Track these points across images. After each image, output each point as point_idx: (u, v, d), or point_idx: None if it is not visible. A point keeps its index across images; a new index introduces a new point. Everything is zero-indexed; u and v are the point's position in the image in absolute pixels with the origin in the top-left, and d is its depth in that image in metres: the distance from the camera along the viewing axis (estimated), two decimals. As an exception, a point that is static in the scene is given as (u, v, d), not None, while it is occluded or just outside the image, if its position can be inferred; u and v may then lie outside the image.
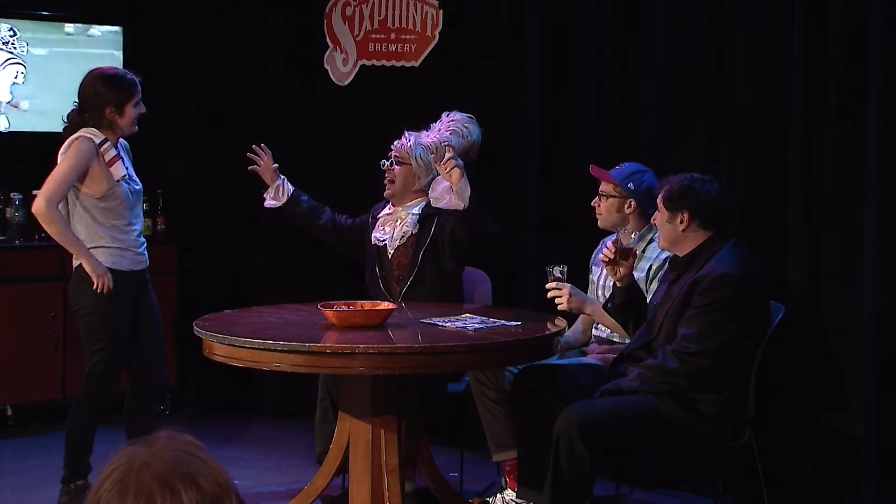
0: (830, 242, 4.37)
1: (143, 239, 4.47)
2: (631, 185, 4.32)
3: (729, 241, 3.90)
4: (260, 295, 5.56)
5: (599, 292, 4.43)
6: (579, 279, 4.37)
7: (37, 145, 4.39)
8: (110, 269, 4.29)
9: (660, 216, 3.96)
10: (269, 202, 4.97)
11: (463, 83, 5.49)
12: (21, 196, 5.47)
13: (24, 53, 5.83)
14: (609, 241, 4.12)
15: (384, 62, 5.74)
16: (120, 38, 6.01)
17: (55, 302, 5.57)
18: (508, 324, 4.07)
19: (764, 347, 3.88)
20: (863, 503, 4.27)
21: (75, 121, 4.30)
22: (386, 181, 4.81)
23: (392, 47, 5.71)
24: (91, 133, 4.24)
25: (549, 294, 4.18)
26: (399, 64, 5.70)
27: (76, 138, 4.24)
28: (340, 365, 3.73)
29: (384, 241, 4.81)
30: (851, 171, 4.30)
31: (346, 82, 5.84)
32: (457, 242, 4.64)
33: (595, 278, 4.50)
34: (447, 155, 4.42)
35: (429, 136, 4.79)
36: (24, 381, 5.64)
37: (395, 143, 4.82)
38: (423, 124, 4.90)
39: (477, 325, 4.02)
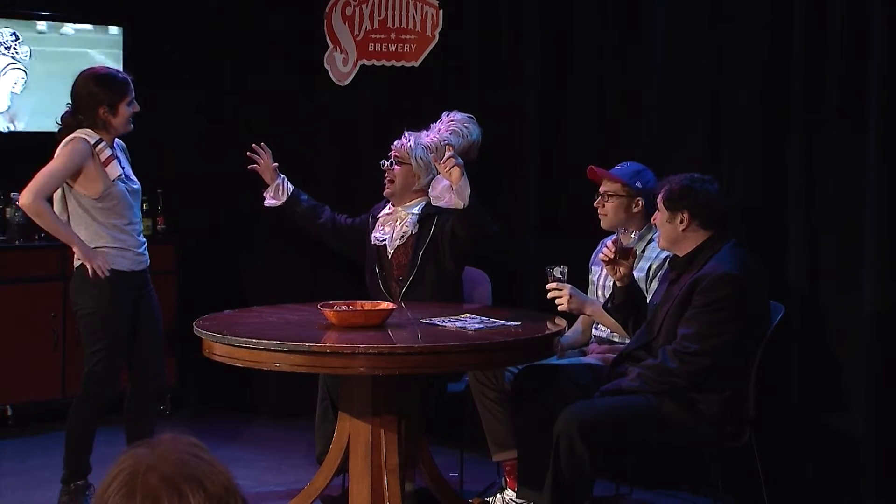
0: (830, 242, 4.37)
1: (143, 239, 4.47)
2: (638, 183, 4.32)
3: (729, 241, 3.90)
4: (260, 295, 5.56)
5: (599, 292, 4.43)
6: (579, 279, 4.37)
7: (37, 145, 4.39)
8: (110, 269, 4.29)
9: (660, 216, 3.96)
10: (269, 201, 4.98)
11: (463, 83, 5.49)
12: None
13: (27, 59, 5.83)
14: (609, 241, 4.12)
15: (384, 62, 5.74)
16: (120, 38, 6.01)
17: (55, 302, 5.57)
18: (508, 324, 4.07)
19: (764, 347, 3.88)
20: (863, 503, 4.27)
21: (69, 122, 4.29)
22: (386, 181, 4.81)
23: (392, 47, 5.71)
24: (86, 134, 4.24)
25: (550, 295, 4.18)
26: (399, 64, 5.70)
27: (71, 139, 4.24)
28: (340, 365, 3.73)
29: (384, 241, 4.81)
30: (851, 171, 4.30)
31: (346, 82, 5.84)
32: (457, 242, 4.63)
33: (595, 278, 4.50)
34: (447, 154, 4.42)
35: (429, 136, 4.79)
36: (24, 381, 5.64)
37: (395, 142, 4.82)
38: (423, 124, 4.90)
39: (477, 325, 4.02)
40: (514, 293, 5.18)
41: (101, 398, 4.39)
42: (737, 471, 4.26)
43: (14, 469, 5.10)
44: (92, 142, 4.23)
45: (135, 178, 4.43)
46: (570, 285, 4.17)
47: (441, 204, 4.56)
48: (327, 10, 5.88)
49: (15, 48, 5.82)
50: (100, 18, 6.04)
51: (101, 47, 5.98)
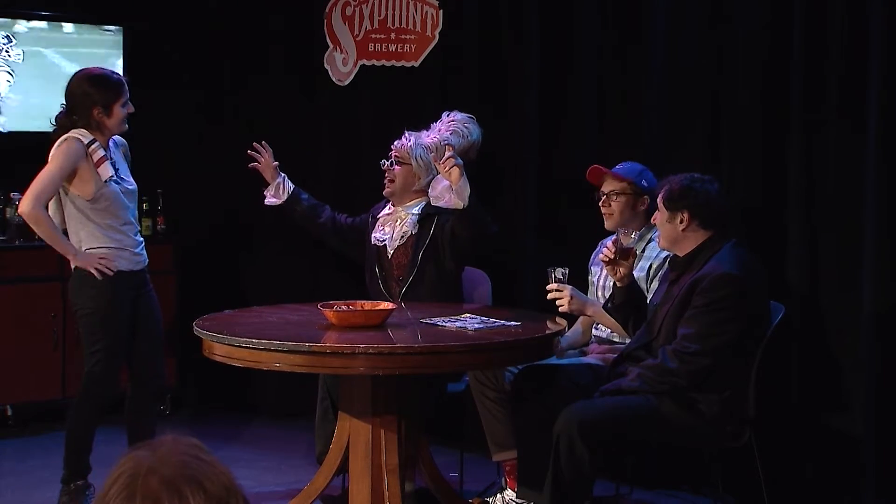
0: (830, 242, 4.37)
1: (140, 238, 4.47)
2: (644, 182, 4.33)
3: (729, 241, 3.90)
4: (260, 295, 5.56)
5: (599, 293, 4.43)
6: (579, 280, 4.37)
7: (37, 145, 4.38)
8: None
9: (660, 216, 3.96)
10: (270, 200, 4.98)
11: (463, 83, 5.49)
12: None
13: (20, 62, 5.83)
14: (609, 242, 4.12)
15: (384, 62, 5.74)
16: (120, 38, 6.02)
17: (55, 302, 5.57)
18: (508, 324, 4.07)
19: (764, 347, 3.88)
20: (863, 503, 4.27)
21: (63, 122, 4.29)
22: (386, 180, 4.81)
23: (392, 47, 5.71)
24: (79, 134, 4.23)
25: (550, 296, 4.18)
26: (399, 64, 5.70)
27: (65, 139, 4.23)
28: (340, 365, 3.73)
29: (384, 241, 4.81)
30: (851, 171, 4.29)
31: (346, 82, 5.85)
32: (457, 242, 4.63)
33: (595, 279, 4.50)
34: (447, 154, 4.42)
35: (429, 136, 4.79)
36: (24, 381, 5.64)
37: (396, 142, 4.82)
38: (423, 124, 4.91)
39: (477, 325, 4.02)
40: (514, 293, 5.18)
41: (101, 398, 4.39)
42: (737, 471, 4.26)
43: (14, 469, 5.10)
44: (86, 142, 4.23)
45: (131, 179, 4.42)
46: (570, 287, 4.17)
47: (441, 204, 4.56)
48: (327, 10, 5.88)
49: (7, 51, 5.81)
50: (100, 18, 6.04)
51: (101, 47, 5.98)
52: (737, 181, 4.59)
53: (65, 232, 4.34)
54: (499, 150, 5.22)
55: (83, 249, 4.30)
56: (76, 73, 4.38)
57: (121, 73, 5.82)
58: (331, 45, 5.87)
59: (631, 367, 3.90)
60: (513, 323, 4.08)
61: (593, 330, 4.51)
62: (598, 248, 4.48)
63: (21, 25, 5.86)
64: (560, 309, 4.18)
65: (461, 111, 4.91)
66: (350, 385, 4.06)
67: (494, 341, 3.86)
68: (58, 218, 4.32)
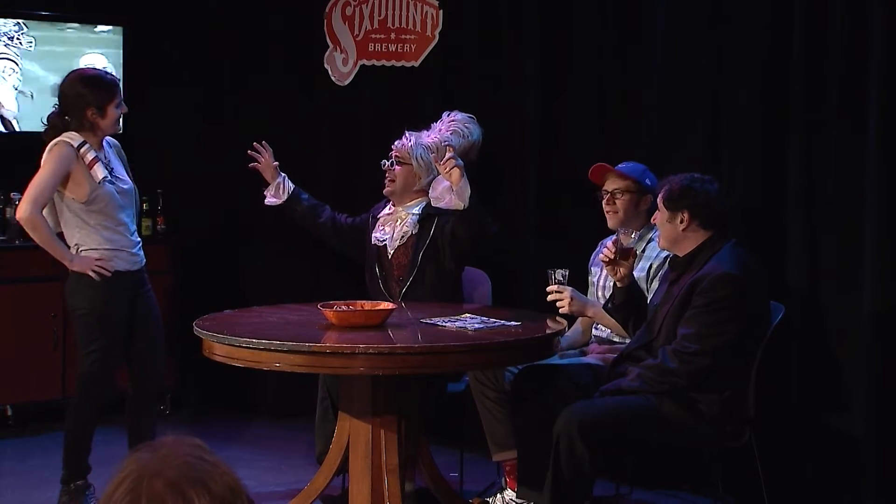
0: (830, 242, 4.37)
1: (137, 238, 4.46)
2: (647, 181, 4.33)
3: (729, 241, 3.90)
4: (260, 295, 5.56)
5: (599, 293, 4.43)
6: (579, 280, 4.37)
7: (37, 145, 4.39)
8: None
9: (660, 216, 3.96)
10: (270, 200, 4.97)
11: (463, 83, 5.49)
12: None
13: (31, 50, 5.82)
14: (609, 242, 4.12)
15: (384, 62, 5.74)
16: (120, 38, 6.02)
17: (55, 302, 5.56)
18: (508, 324, 4.07)
19: (764, 347, 3.88)
20: (863, 503, 4.27)
21: (56, 123, 4.29)
22: (386, 180, 4.81)
23: (392, 47, 5.71)
24: (70, 137, 4.23)
25: (550, 297, 4.18)
26: (399, 64, 5.70)
27: (56, 143, 4.23)
28: (340, 365, 3.73)
29: (384, 241, 4.81)
30: (851, 171, 4.29)
31: (346, 82, 5.85)
32: (457, 242, 4.63)
33: (595, 279, 4.50)
34: (447, 154, 4.42)
35: (429, 136, 4.79)
36: (24, 381, 5.64)
37: (396, 142, 4.82)
38: (423, 124, 4.90)
39: (477, 325, 4.02)
40: (514, 293, 5.18)
41: (99, 398, 4.39)
42: (737, 471, 4.26)
43: (14, 469, 5.10)
44: (75, 145, 4.22)
45: (126, 178, 4.41)
46: (570, 288, 4.17)
47: (441, 205, 4.55)
48: (327, 10, 5.88)
49: (19, 39, 5.81)
50: (100, 18, 6.04)
51: (101, 47, 5.98)
52: (737, 181, 4.59)
53: (60, 235, 4.34)
54: (499, 150, 5.22)
55: (80, 251, 4.30)
56: (69, 74, 4.38)
57: (121, 73, 5.86)
58: (331, 45, 5.87)
59: (631, 367, 3.90)
60: (513, 323, 4.08)
61: (593, 330, 4.51)
62: (598, 249, 4.48)
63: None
64: (560, 310, 4.18)
65: (461, 111, 4.91)
66: (350, 385, 4.06)
67: (494, 341, 3.86)
68: (52, 221, 4.32)
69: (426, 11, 5.63)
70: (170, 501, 1.30)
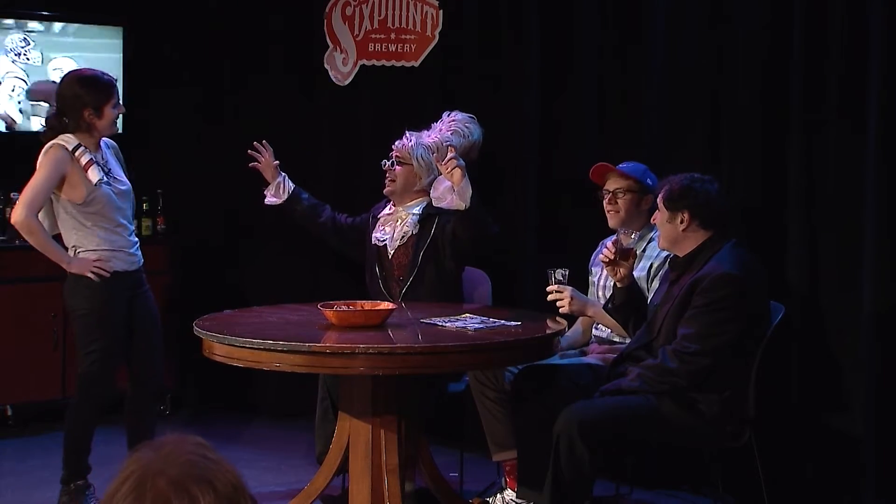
0: (830, 242, 4.37)
1: (135, 238, 4.46)
2: (649, 181, 4.33)
3: (729, 241, 3.90)
4: (260, 295, 5.56)
5: (600, 293, 4.43)
6: (579, 280, 4.37)
7: (37, 145, 4.39)
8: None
9: (660, 216, 3.96)
10: (270, 199, 4.97)
11: (463, 83, 5.49)
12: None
13: (39, 65, 5.83)
14: (609, 242, 4.12)
15: (384, 62, 5.74)
16: (120, 38, 6.02)
17: (55, 302, 5.55)
18: (508, 324, 4.06)
19: (764, 347, 3.88)
20: (863, 503, 4.27)
21: (54, 124, 4.29)
22: (387, 180, 4.81)
23: (392, 47, 5.71)
24: (65, 140, 4.23)
25: (550, 297, 4.18)
26: (399, 64, 5.70)
27: (51, 146, 4.23)
28: (340, 365, 3.73)
29: (384, 241, 4.81)
30: (851, 171, 4.29)
31: (346, 82, 5.85)
32: (458, 242, 4.63)
33: (595, 279, 4.50)
34: (449, 154, 4.41)
35: (430, 136, 4.79)
36: (24, 381, 5.64)
37: (397, 143, 4.82)
38: (423, 124, 4.90)
39: (477, 325, 4.02)
40: (514, 293, 5.18)
41: (99, 398, 4.39)
42: (737, 471, 4.26)
43: (14, 469, 5.10)
44: (70, 147, 4.22)
45: (124, 179, 4.41)
46: (570, 287, 4.17)
47: (443, 205, 4.55)
48: (327, 10, 5.88)
49: (25, 54, 5.82)
50: (100, 18, 6.04)
51: (101, 49, 5.98)
52: (737, 181, 4.59)
53: (57, 237, 4.34)
54: (499, 150, 5.22)
55: (78, 253, 4.30)
56: (66, 75, 4.38)
57: (121, 73, 5.86)
58: (331, 45, 5.87)
59: (631, 367, 3.90)
60: (513, 323, 4.08)
61: (593, 330, 4.51)
62: (598, 249, 4.48)
63: (33, 24, 5.88)
64: (560, 310, 4.18)
65: (461, 111, 4.91)
66: (350, 385, 4.06)
67: (494, 341, 3.86)
68: (48, 223, 4.32)
69: (426, 11, 5.63)
70: (174, 499, 1.30)
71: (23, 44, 5.82)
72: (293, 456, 5.27)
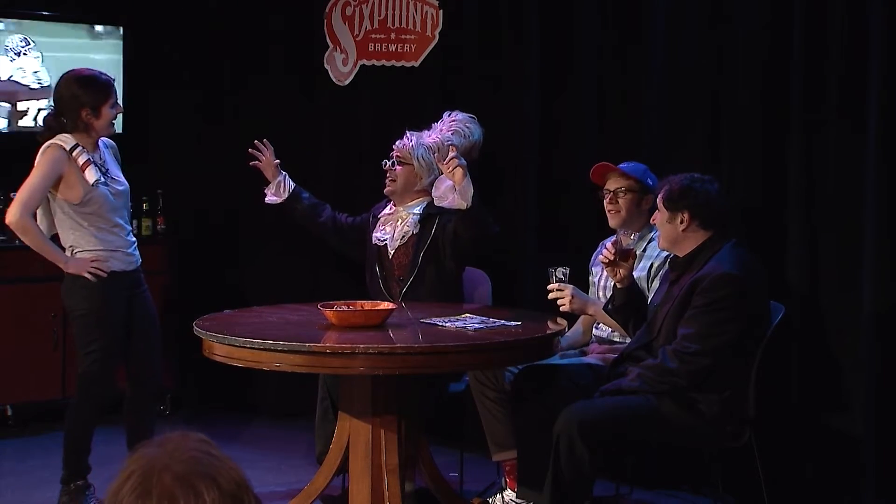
0: (830, 242, 4.37)
1: (132, 238, 4.46)
2: (649, 180, 4.33)
3: (729, 241, 3.90)
4: (260, 295, 5.56)
5: (600, 293, 4.43)
6: (579, 280, 4.37)
7: (37, 145, 4.39)
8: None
9: (660, 216, 3.96)
10: (270, 198, 4.97)
11: (463, 83, 5.49)
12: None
13: (39, 63, 5.84)
14: (609, 243, 4.12)
15: (384, 62, 5.74)
16: (120, 38, 6.02)
17: (55, 302, 5.53)
18: (508, 324, 4.07)
19: (764, 347, 3.88)
20: (863, 503, 4.27)
21: (52, 124, 4.29)
22: (387, 180, 4.81)
23: (392, 47, 5.71)
24: (62, 140, 4.23)
25: (551, 296, 4.18)
26: (399, 64, 5.70)
27: (48, 146, 4.23)
28: (340, 365, 3.73)
29: (385, 240, 4.81)
30: (851, 171, 4.29)
31: (346, 82, 5.85)
32: (459, 242, 4.63)
33: (595, 279, 4.50)
34: (450, 154, 4.41)
35: (431, 136, 4.79)
36: (24, 381, 5.64)
37: (397, 143, 4.82)
38: (423, 124, 4.90)
39: (477, 325, 4.02)
40: (514, 293, 5.18)
41: (99, 398, 4.39)
42: (737, 471, 4.26)
43: (14, 469, 5.10)
44: (68, 147, 4.22)
45: (122, 179, 4.41)
46: (571, 286, 4.17)
47: (444, 204, 4.55)
48: (327, 10, 5.88)
49: (25, 53, 5.82)
50: (100, 18, 6.04)
51: (101, 50, 5.98)
52: (737, 181, 4.59)
53: (54, 237, 4.34)
54: (499, 150, 5.22)
55: (75, 253, 4.30)
56: (64, 75, 4.38)
57: (121, 73, 5.86)
58: (331, 45, 5.87)
59: (631, 367, 3.90)
60: (513, 323, 4.08)
61: (594, 330, 4.51)
62: (598, 249, 4.47)
63: (30, 24, 5.88)
64: (561, 309, 4.18)
65: (461, 111, 4.91)
66: (350, 385, 4.06)
67: (494, 341, 3.86)
68: (45, 223, 4.32)
69: (426, 11, 5.63)
70: (180, 495, 1.31)
71: (23, 44, 5.82)
72: (293, 456, 5.27)
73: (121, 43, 6.01)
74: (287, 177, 4.96)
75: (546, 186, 5.23)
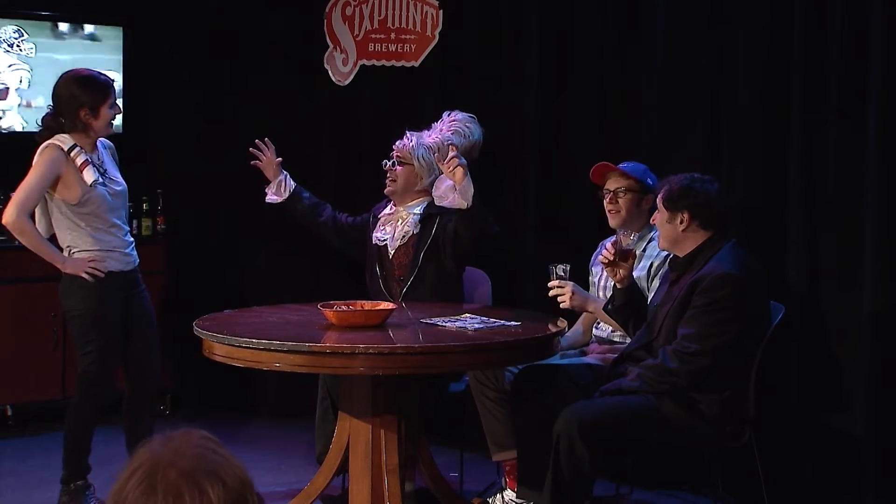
0: (830, 242, 4.37)
1: (130, 238, 4.46)
2: (649, 180, 4.33)
3: (729, 241, 3.90)
4: (260, 295, 5.56)
5: (600, 293, 4.43)
6: (580, 280, 4.37)
7: (33, 145, 4.38)
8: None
9: (659, 216, 3.96)
10: (271, 197, 4.97)
11: (463, 83, 5.49)
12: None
13: (32, 56, 5.83)
14: (608, 243, 4.12)
15: (384, 62, 5.74)
16: (120, 38, 6.02)
17: (55, 302, 5.50)
18: (508, 324, 4.06)
19: (764, 347, 3.88)
20: (863, 503, 4.27)
21: (50, 124, 4.29)
22: (388, 180, 4.81)
23: (392, 47, 5.71)
24: (60, 140, 4.23)
25: (552, 293, 4.18)
26: (399, 64, 5.70)
27: (46, 146, 4.23)
28: (340, 365, 3.73)
29: (385, 240, 4.81)
30: (851, 171, 4.29)
31: (346, 82, 5.85)
32: (459, 242, 4.63)
33: (595, 279, 4.50)
34: (450, 153, 4.41)
35: (431, 136, 4.79)
36: (24, 381, 5.64)
37: (397, 143, 4.82)
38: (423, 124, 4.90)
39: (477, 325, 4.02)
40: (514, 293, 5.18)
41: (98, 398, 4.39)
42: (737, 471, 4.26)
43: (14, 469, 5.10)
44: (66, 148, 4.22)
45: (120, 180, 4.41)
46: (572, 283, 4.17)
47: (445, 204, 4.55)
48: (327, 10, 5.88)
49: (19, 45, 5.82)
50: (100, 18, 6.04)
51: (102, 51, 5.98)
52: (737, 181, 4.59)
53: (52, 238, 4.34)
54: (499, 150, 5.22)
55: (72, 253, 4.30)
56: (63, 74, 4.37)
57: (121, 73, 5.86)
58: (331, 45, 5.87)
59: (631, 367, 3.90)
60: (513, 323, 4.08)
61: (594, 330, 4.51)
62: (598, 249, 4.48)
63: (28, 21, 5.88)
64: (561, 305, 4.18)
65: (461, 111, 4.91)
66: (350, 385, 4.06)
67: (494, 341, 3.86)
68: (44, 223, 4.32)
69: (426, 11, 5.63)
70: (185, 491, 1.31)
71: (16, 35, 5.81)
72: (293, 456, 5.27)
73: (121, 43, 6.01)
74: (288, 176, 4.96)
75: (546, 186, 5.23)
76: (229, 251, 6.25)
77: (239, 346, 3.76)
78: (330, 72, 5.88)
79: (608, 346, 4.40)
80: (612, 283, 4.12)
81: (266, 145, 4.94)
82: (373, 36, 5.77)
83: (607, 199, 4.36)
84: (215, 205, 6.23)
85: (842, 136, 4.32)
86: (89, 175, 4.23)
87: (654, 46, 4.88)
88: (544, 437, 3.82)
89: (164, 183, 6.09)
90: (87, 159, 4.24)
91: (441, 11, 5.59)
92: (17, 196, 4.22)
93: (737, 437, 3.86)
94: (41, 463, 5.08)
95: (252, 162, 4.94)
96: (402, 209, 4.82)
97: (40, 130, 4.32)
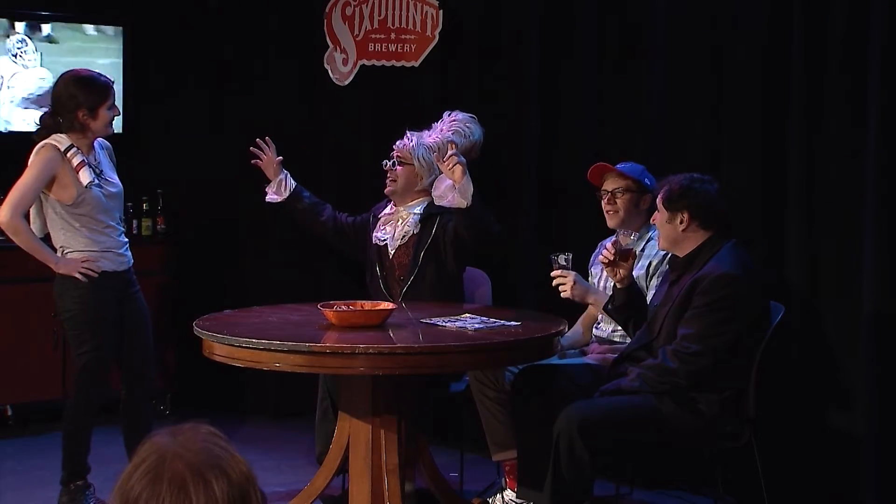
0: (830, 243, 4.37)
1: (124, 239, 4.45)
2: (647, 180, 4.33)
3: (729, 242, 3.90)
4: (260, 295, 5.56)
5: (600, 293, 4.43)
6: (580, 274, 4.36)
7: (29, 145, 4.38)
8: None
9: (659, 216, 3.96)
10: (271, 197, 4.96)
11: (463, 83, 5.49)
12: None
13: (36, 62, 5.84)
14: (608, 243, 4.12)
15: (384, 62, 5.74)
16: (120, 38, 6.02)
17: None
18: (508, 324, 4.06)
19: (764, 347, 3.88)
20: (863, 503, 4.27)
21: (48, 124, 4.28)
22: (388, 180, 4.81)
23: (392, 47, 5.71)
24: (57, 140, 4.22)
25: (554, 282, 4.17)
26: (399, 64, 5.70)
27: (42, 146, 4.22)
28: (340, 365, 3.73)
29: (385, 240, 4.81)
30: (851, 171, 4.29)
31: (347, 82, 5.85)
32: (460, 241, 4.63)
33: (595, 280, 4.50)
34: (450, 151, 4.41)
35: (431, 136, 4.79)
36: (24, 381, 5.64)
37: (398, 143, 4.82)
38: (423, 124, 4.90)
39: (477, 325, 4.02)
40: (514, 293, 5.18)
41: (95, 398, 4.38)
42: (737, 471, 4.26)
43: (14, 469, 5.10)
44: (62, 148, 4.22)
45: (116, 181, 4.41)
46: (574, 272, 4.17)
47: (444, 203, 4.55)
48: (327, 10, 5.88)
49: (22, 55, 5.82)
50: (100, 18, 6.04)
51: (102, 52, 5.98)
52: (737, 181, 4.59)
53: (47, 237, 4.34)
54: (499, 150, 5.22)
55: (65, 253, 4.29)
56: (63, 75, 4.37)
57: (121, 73, 5.86)
58: (331, 45, 5.87)
59: (631, 367, 3.90)
60: (513, 323, 4.08)
61: (594, 330, 4.51)
62: (597, 250, 4.47)
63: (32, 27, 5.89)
64: (563, 295, 4.18)
65: (461, 111, 4.90)
66: (350, 385, 4.06)
67: (494, 341, 3.86)
68: (38, 223, 4.31)
69: (426, 11, 5.63)
70: (191, 483, 1.33)
71: (20, 45, 5.82)
72: (293, 456, 5.27)
73: (121, 43, 6.01)
74: (288, 175, 4.95)
75: (546, 186, 5.23)
76: (229, 251, 6.25)
77: (239, 346, 3.76)
78: (330, 72, 5.88)
79: (608, 346, 4.40)
80: (612, 284, 4.12)
81: (266, 144, 4.93)
82: (373, 36, 5.77)
83: (605, 200, 4.36)
84: (215, 205, 6.22)
85: (842, 137, 4.32)
86: (85, 176, 4.23)
87: (654, 47, 4.88)
88: (544, 437, 3.82)
89: (164, 183, 6.09)
90: (83, 160, 4.24)
91: (441, 11, 5.59)
92: (12, 196, 4.21)
93: (737, 437, 3.86)
94: (41, 463, 5.07)
95: (252, 161, 4.94)
96: (402, 209, 4.82)
97: (37, 130, 4.32)
